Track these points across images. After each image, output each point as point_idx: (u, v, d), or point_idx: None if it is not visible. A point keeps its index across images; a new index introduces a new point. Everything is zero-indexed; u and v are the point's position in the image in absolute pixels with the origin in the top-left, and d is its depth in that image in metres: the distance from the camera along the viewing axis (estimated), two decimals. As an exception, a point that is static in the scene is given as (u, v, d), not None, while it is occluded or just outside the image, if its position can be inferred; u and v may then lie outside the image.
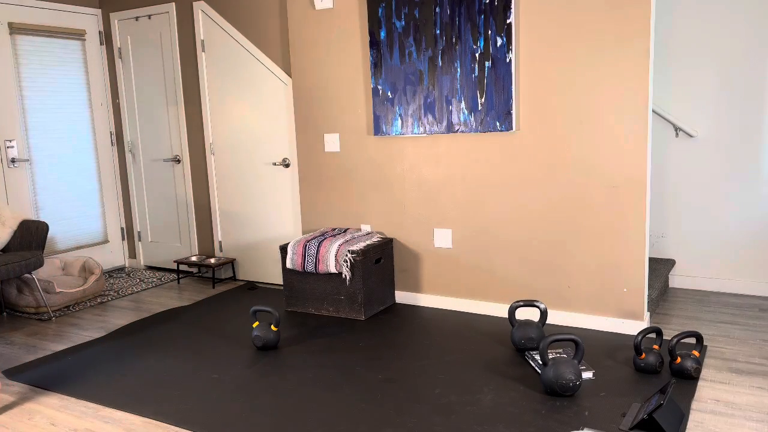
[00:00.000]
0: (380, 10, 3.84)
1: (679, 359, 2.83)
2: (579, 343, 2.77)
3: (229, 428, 2.56)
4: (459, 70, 3.63)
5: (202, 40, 4.76)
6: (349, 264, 3.79)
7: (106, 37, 5.29)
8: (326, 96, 4.22)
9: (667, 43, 4.07)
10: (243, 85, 4.64)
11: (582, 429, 2.42)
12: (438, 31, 3.67)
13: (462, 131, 3.69)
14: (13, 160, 4.69)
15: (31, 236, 4.18)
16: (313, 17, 4.16)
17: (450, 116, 3.71)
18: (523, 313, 3.73)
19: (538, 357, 3.06)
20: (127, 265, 5.61)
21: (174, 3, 4.85)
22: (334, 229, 4.25)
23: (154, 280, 5.06)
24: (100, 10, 5.27)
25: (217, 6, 4.65)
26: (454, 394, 2.78)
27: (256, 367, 3.17)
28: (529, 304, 3.27)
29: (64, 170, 5.05)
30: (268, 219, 4.72)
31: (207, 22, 4.71)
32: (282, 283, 4.75)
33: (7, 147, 4.65)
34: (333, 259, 3.80)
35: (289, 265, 3.97)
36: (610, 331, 3.48)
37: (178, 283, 4.98)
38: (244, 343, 3.53)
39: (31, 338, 3.80)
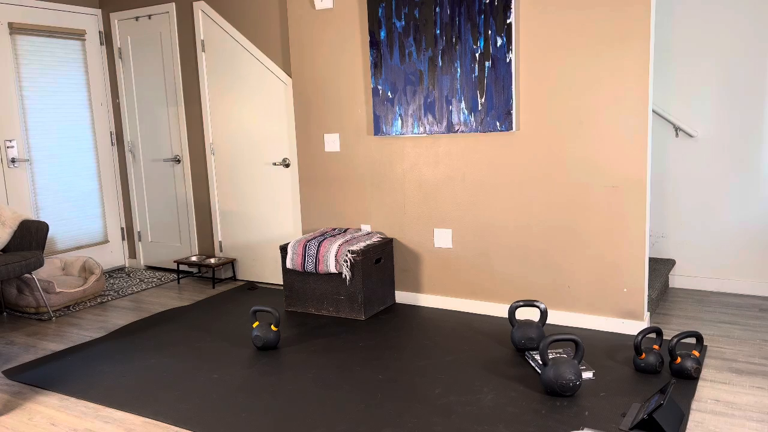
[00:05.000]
0: (380, 10, 3.84)
1: (679, 359, 2.82)
2: (579, 343, 2.77)
3: (229, 428, 2.56)
4: (459, 70, 3.63)
5: (202, 40, 4.76)
6: (349, 264, 3.79)
7: (106, 37, 5.29)
8: (326, 96, 4.22)
9: (667, 42, 4.07)
10: (243, 85, 4.64)
11: (582, 429, 2.42)
12: (438, 31, 3.67)
13: (462, 131, 3.69)
14: (13, 160, 4.69)
15: (31, 236, 4.18)
16: (313, 17, 4.16)
17: (450, 116, 3.71)
18: (523, 313, 3.73)
19: (538, 357, 3.06)
20: (127, 265, 5.61)
21: (174, 3, 4.85)
22: (334, 229, 4.25)
23: (154, 280, 5.06)
24: (100, 10, 5.27)
25: (217, 6, 4.65)
26: (454, 394, 2.78)
27: (256, 367, 3.17)
28: (529, 304, 3.27)
29: (64, 170, 5.05)
30: (268, 219, 4.72)
31: (207, 22, 4.71)
32: (282, 283, 4.75)
33: (7, 147, 4.65)
34: (333, 259, 3.80)
35: (289, 265, 3.97)
36: (610, 331, 3.48)
37: (178, 283, 4.98)
38: (244, 343, 3.53)
39: (31, 338, 3.80)
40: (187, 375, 3.11)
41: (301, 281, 4.01)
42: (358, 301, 3.83)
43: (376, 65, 3.91)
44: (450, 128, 3.73)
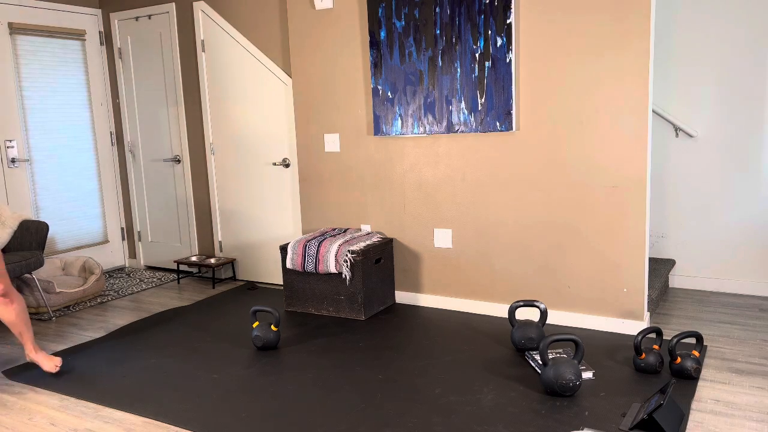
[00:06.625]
0: (380, 11, 3.84)
1: (679, 359, 2.83)
2: (579, 343, 2.77)
3: (229, 428, 2.56)
4: (459, 70, 3.63)
5: (202, 40, 4.76)
6: (349, 264, 3.79)
7: (106, 37, 5.29)
8: (326, 96, 4.22)
9: (667, 43, 4.07)
10: (243, 85, 4.64)
11: (582, 429, 2.42)
12: (438, 31, 3.67)
13: (462, 131, 3.69)
14: (13, 160, 4.69)
15: (31, 236, 4.18)
16: (313, 17, 4.16)
17: (450, 116, 3.71)
18: (523, 313, 3.73)
19: (538, 357, 3.06)
20: (127, 265, 5.61)
21: (174, 3, 4.85)
22: (334, 229, 4.25)
23: (154, 280, 5.06)
24: (100, 10, 5.27)
25: (217, 6, 4.65)
26: (454, 394, 2.78)
27: (256, 367, 3.17)
28: (529, 304, 3.27)
29: (64, 170, 5.05)
30: (268, 219, 4.72)
31: (207, 22, 4.71)
32: (282, 283, 4.75)
33: (7, 147, 4.65)
34: (333, 259, 3.80)
35: (289, 265, 3.98)
36: (610, 331, 3.49)
37: (178, 283, 4.98)
38: (244, 343, 3.53)
39: (31, 338, 3.80)
40: (187, 375, 3.12)
41: (301, 281, 4.01)
42: (358, 301, 3.83)
43: (376, 65, 3.91)
44: (450, 128, 3.73)
